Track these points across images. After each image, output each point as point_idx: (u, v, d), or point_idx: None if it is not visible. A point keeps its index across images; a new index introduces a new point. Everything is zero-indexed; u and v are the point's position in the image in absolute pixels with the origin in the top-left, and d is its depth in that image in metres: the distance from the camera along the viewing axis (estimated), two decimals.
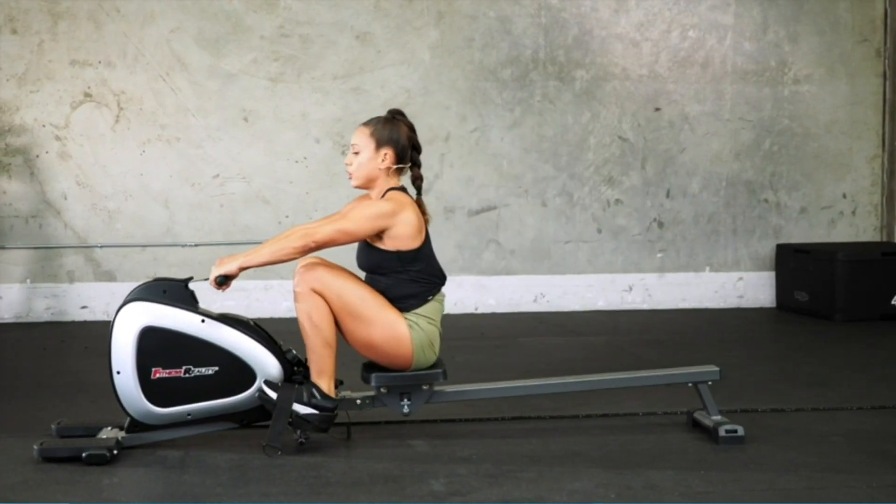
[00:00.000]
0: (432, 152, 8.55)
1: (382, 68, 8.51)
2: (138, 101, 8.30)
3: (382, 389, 4.70)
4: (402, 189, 4.78)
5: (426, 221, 4.77)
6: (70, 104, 8.24)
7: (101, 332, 7.87)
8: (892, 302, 8.18)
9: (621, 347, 7.18)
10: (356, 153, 4.78)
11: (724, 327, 8.07)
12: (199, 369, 4.61)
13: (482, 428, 5.04)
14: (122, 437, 4.64)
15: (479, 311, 8.61)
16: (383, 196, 4.72)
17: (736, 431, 4.71)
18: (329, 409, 4.57)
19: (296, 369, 4.69)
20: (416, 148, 4.84)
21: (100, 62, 8.26)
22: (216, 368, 4.61)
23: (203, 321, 4.63)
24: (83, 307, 8.31)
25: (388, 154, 4.75)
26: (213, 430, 4.72)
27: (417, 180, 4.85)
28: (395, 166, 4.76)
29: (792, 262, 8.63)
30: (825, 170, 8.98)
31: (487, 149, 8.63)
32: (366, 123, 4.85)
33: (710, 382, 4.86)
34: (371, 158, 4.75)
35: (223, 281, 4.65)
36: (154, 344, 4.58)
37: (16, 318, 8.23)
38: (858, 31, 8.95)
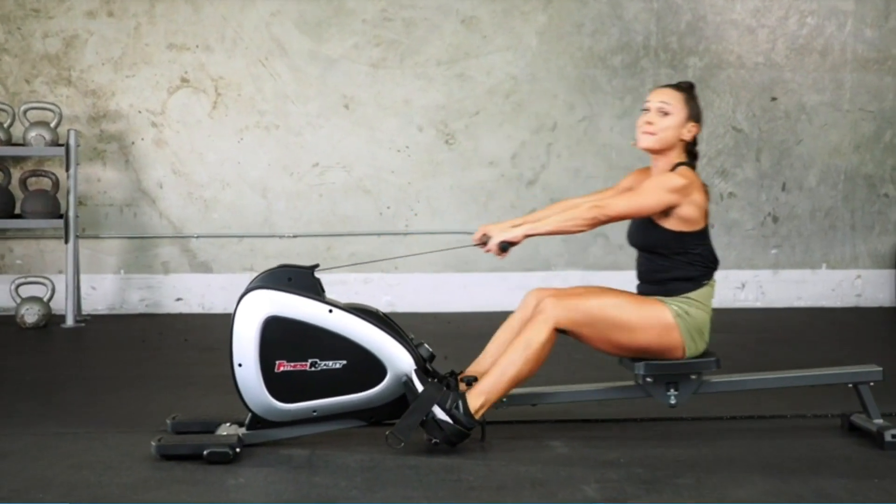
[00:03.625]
0: (538, 142, 8.23)
1: (488, 54, 8.19)
2: (236, 86, 8.04)
3: (648, 379, 4.42)
4: (691, 166, 4.52)
5: (708, 201, 4.52)
6: (167, 89, 7.99)
7: (198, 323, 7.74)
8: None
9: (744, 346, 6.83)
10: (666, 113, 4.47)
11: (849, 327, 7.71)
12: (327, 363, 4.33)
13: (620, 429, 4.71)
14: (244, 434, 4.37)
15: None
16: (673, 169, 4.45)
17: None
18: (466, 427, 4.27)
19: (429, 367, 4.39)
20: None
21: (197, 46, 8.01)
22: (344, 362, 4.34)
23: (331, 311, 4.35)
24: (178, 299, 8.07)
25: (693, 127, 4.51)
26: (339, 427, 4.44)
27: (695, 160, 4.61)
28: (691, 143, 4.53)
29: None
30: None
31: (596, 139, 8.29)
32: (675, 87, 4.58)
33: (871, 383, 4.52)
34: (679, 125, 4.50)
35: (506, 247, 4.38)
36: (278, 335, 4.31)
37: (109, 310, 7.99)
38: None
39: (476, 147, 8.20)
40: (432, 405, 4.24)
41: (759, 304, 8.43)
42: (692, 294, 4.42)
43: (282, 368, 4.31)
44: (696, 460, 4.24)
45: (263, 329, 4.30)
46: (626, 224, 7.95)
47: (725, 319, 7.83)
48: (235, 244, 8.10)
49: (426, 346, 4.42)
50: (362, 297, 8.07)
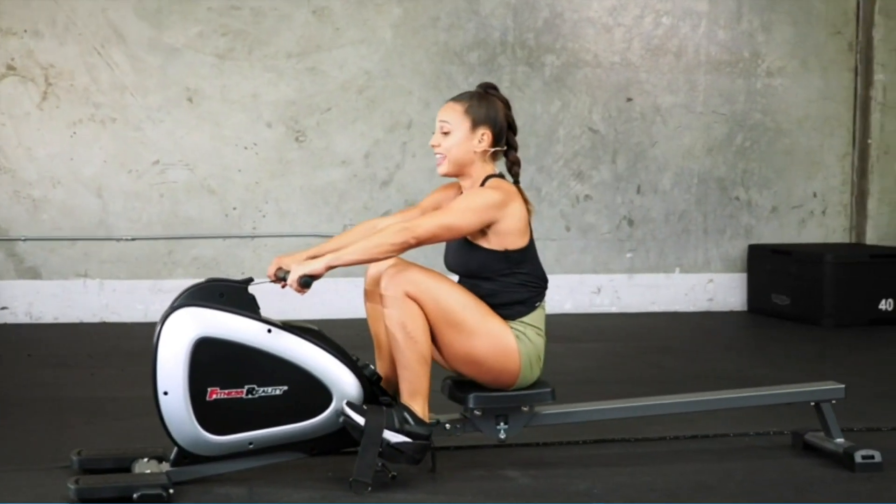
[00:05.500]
0: (393, 140, 7.84)
1: (341, 47, 7.75)
2: (69, 76, 7.37)
3: (477, 412, 3.99)
4: (502, 176, 4.08)
5: (529, 213, 4.08)
6: None
7: (29, 335, 7.04)
8: (881, 306, 7.79)
9: (626, 355, 6.61)
10: (446, 133, 4.02)
11: (712, 332, 7.60)
12: (265, 389, 3.85)
13: (573, 453, 4.37)
14: (170, 472, 3.84)
15: None
16: (483, 184, 4.01)
17: (873, 458, 4.15)
18: (424, 437, 3.85)
19: (375, 389, 3.97)
20: (513, 128, 4.13)
21: (25, 31, 7.31)
22: (285, 388, 3.86)
23: (270, 331, 3.86)
24: (3, 308, 7.35)
25: (485, 135, 4.02)
26: (276, 461, 3.96)
27: (515, 166, 4.13)
28: (492, 149, 4.04)
29: (768, 263, 8.17)
30: (796, 167, 8.55)
31: None
32: (456, 99, 4.08)
33: (833, 401, 4.31)
34: (465, 139, 4.01)
35: (308, 282, 3.85)
36: (210, 359, 3.79)
37: None
38: (832, 22, 8.55)
39: (328, 145, 7.75)
40: (381, 433, 3.81)
41: (614, 309, 8.25)
42: (526, 318, 3.99)
43: (214, 396, 3.80)
44: (669, 488, 3.93)
45: (193, 352, 3.77)
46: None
47: (585, 325, 7.69)
48: (67, 248, 7.43)
49: (372, 367, 3.98)
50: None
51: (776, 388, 4.44)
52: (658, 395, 4.48)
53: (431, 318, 3.86)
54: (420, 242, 3.87)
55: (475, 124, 4.01)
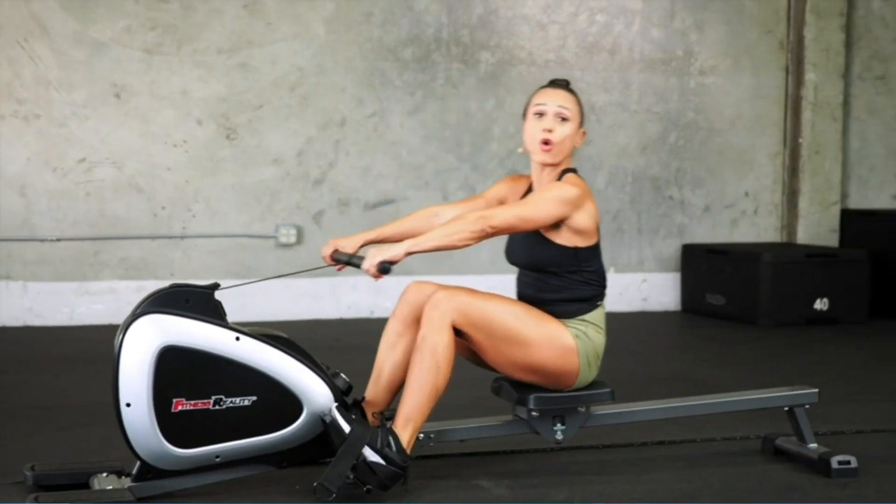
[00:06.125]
0: (326, 138, 7.67)
1: (273, 42, 7.56)
2: None
3: (534, 413, 3.91)
4: (576, 172, 4.02)
5: None
6: None
7: None
8: (816, 306, 7.79)
9: None
10: (564, 119, 3.94)
11: (650, 333, 7.56)
12: (233, 400, 3.67)
13: (544, 461, 4.25)
14: (133, 487, 3.65)
15: (376, 315, 7.77)
16: (560, 177, 3.94)
17: (849, 463, 4.09)
18: (400, 468, 3.70)
19: (346, 400, 3.81)
20: None
21: None
22: (254, 398, 3.69)
23: (238, 339, 3.69)
24: None
25: (583, 135, 4.04)
26: (244, 474, 3.79)
27: None
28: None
29: (703, 263, 8.14)
30: (729, 167, 8.53)
31: (386, 136, 7.80)
32: (567, 88, 4.03)
33: (807, 406, 4.25)
34: (575, 133, 3.98)
35: (387, 268, 3.73)
36: (176, 368, 3.61)
37: None
38: (763, 22, 8.54)
39: (259, 143, 7.55)
40: (363, 446, 3.66)
41: None
42: (587, 316, 3.94)
43: (180, 408, 3.62)
44: (652, 497, 3.83)
45: (158, 361, 3.59)
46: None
47: None
48: None
49: (342, 376, 3.82)
50: (133, 306, 7.28)
51: (751, 393, 4.36)
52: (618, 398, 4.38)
53: (486, 340, 3.79)
54: (497, 232, 3.79)
55: (581, 122, 4.01)
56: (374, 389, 3.99)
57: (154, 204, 7.39)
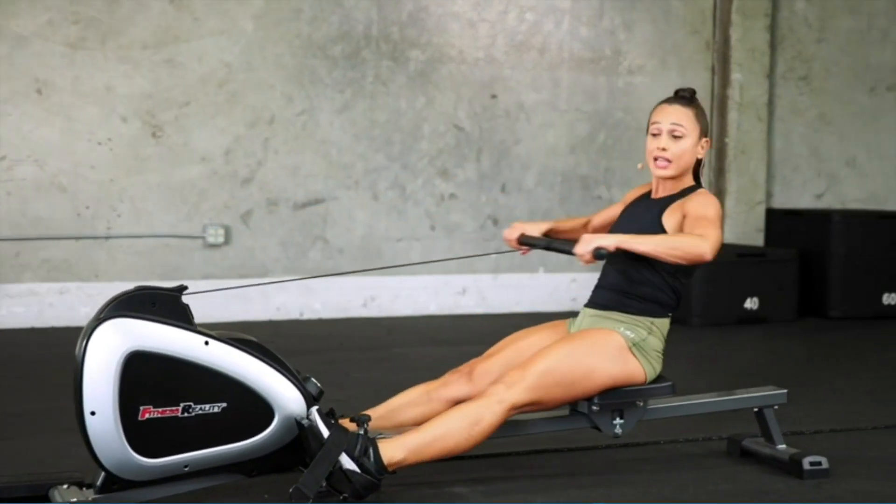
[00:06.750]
0: (255, 136, 7.50)
1: (200, 38, 7.37)
2: None
3: (595, 407, 3.88)
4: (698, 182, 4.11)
5: None
6: None
7: None
8: (747, 305, 7.82)
9: None
10: (679, 137, 3.94)
11: None
12: (203, 406, 3.53)
13: (514, 465, 4.16)
14: (97, 499, 3.49)
15: (305, 316, 7.63)
16: (684, 193, 4.00)
17: (820, 464, 4.06)
18: (376, 479, 3.59)
19: (317, 403, 3.68)
20: None
21: None
22: (224, 405, 3.55)
23: (207, 343, 3.54)
24: None
25: (706, 144, 4.02)
26: (211, 484, 3.64)
27: (700, 169, 4.13)
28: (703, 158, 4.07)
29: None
30: None
31: (315, 134, 7.65)
32: (683, 103, 4.01)
33: (776, 406, 4.21)
34: (694, 146, 3.98)
35: (603, 255, 3.71)
36: (143, 375, 3.44)
37: None
38: (689, 22, 8.55)
39: (186, 141, 7.36)
40: (340, 452, 3.54)
41: (479, 311, 8.09)
42: (657, 321, 3.95)
43: (147, 416, 3.46)
44: (630, 501, 3.77)
45: (124, 368, 3.42)
46: (344, 226, 7.39)
47: (452, 326, 7.49)
48: None
49: (313, 380, 3.70)
50: (57, 309, 7.09)
51: (720, 394, 4.32)
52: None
53: (555, 400, 3.82)
54: (709, 260, 3.80)
55: (702, 132, 3.99)
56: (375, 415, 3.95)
57: (77, 203, 7.16)
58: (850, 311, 8.11)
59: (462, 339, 7.00)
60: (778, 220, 8.63)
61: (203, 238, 7.40)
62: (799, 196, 8.92)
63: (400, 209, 7.86)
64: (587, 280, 8.08)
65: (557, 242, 4.01)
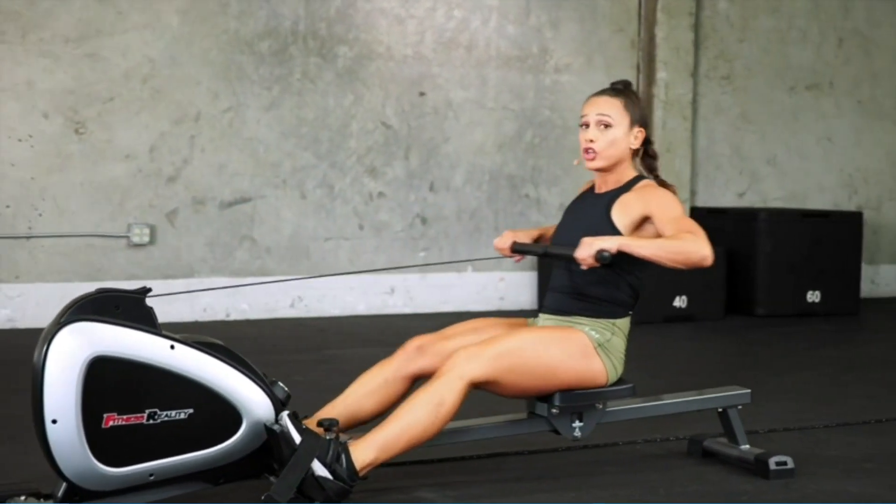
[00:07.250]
0: (180, 134, 7.34)
1: (123, 32, 7.19)
2: None
3: (554, 410, 3.81)
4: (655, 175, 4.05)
5: None
6: None
7: None
8: (675, 303, 7.83)
9: None
10: (607, 126, 3.85)
11: None
12: (168, 413, 3.39)
13: (477, 469, 4.08)
14: None
15: (232, 317, 7.48)
16: (629, 184, 3.92)
17: (786, 463, 4.04)
18: (349, 485, 3.49)
19: (285, 408, 3.57)
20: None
21: None
22: (190, 411, 3.41)
23: (173, 347, 3.41)
24: None
25: (639, 133, 3.93)
26: (177, 493, 3.51)
27: (655, 160, 4.07)
28: (641, 148, 3.97)
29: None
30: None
31: (242, 132, 7.51)
32: (610, 93, 3.94)
33: (739, 406, 4.19)
34: (625, 136, 3.89)
35: (605, 257, 3.63)
36: (106, 381, 3.29)
37: None
38: (615, 20, 8.56)
39: (110, 138, 7.18)
40: (313, 459, 3.43)
41: (407, 310, 8.00)
42: (618, 321, 3.89)
43: (111, 423, 3.31)
44: (603, 500, 3.71)
45: (86, 374, 3.27)
46: (271, 226, 7.27)
47: (380, 326, 7.42)
48: None
49: (280, 384, 3.59)
50: None
51: (684, 395, 4.27)
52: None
53: (511, 384, 3.70)
54: (709, 265, 3.83)
55: (633, 122, 3.91)
56: (328, 412, 3.84)
57: None
58: (775, 309, 8.18)
59: (394, 340, 6.88)
60: (702, 219, 8.61)
61: (128, 238, 7.22)
62: (721, 194, 8.98)
63: (328, 208, 7.75)
64: (515, 279, 8.10)
65: (555, 248, 3.93)
